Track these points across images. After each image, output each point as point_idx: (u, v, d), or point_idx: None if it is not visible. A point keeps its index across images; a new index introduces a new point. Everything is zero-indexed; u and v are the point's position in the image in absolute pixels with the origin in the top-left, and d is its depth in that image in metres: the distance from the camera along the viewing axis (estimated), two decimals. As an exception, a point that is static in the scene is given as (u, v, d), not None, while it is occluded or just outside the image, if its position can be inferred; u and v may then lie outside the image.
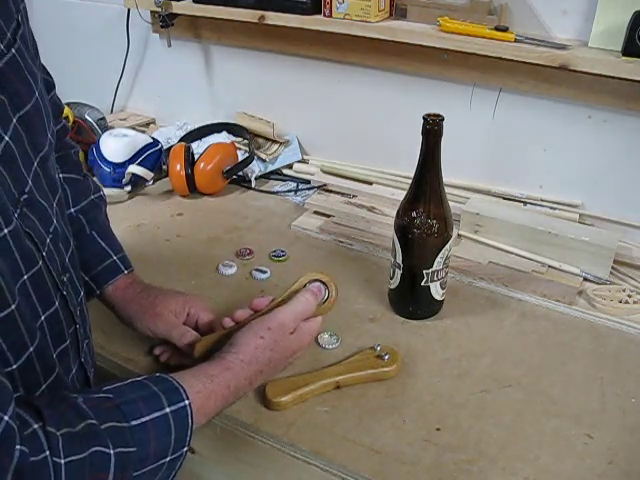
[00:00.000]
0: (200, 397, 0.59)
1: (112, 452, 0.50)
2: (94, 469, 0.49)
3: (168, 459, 0.55)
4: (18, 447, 0.45)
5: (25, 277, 0.53)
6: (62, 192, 0.65)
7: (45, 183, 0.59)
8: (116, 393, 0.54)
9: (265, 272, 0.95)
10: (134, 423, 0.52)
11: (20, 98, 0.55)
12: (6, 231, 0.51)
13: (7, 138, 0.52)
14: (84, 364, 0.65)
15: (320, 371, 0.75)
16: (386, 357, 0.76)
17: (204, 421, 0.60)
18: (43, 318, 0.56)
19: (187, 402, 0.56)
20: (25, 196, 0.55)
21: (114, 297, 0.78)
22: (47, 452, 0.47)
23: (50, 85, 0.77)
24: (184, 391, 0.57)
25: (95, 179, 1.17)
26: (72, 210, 0.78)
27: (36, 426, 0.47)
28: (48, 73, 0.77)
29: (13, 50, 0.54)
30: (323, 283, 0.77)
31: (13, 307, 0.50)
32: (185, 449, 0.56)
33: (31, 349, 0.54)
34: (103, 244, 0.79)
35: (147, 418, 0.53)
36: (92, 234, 0.79)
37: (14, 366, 0.52)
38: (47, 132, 0.60)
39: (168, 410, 0.55)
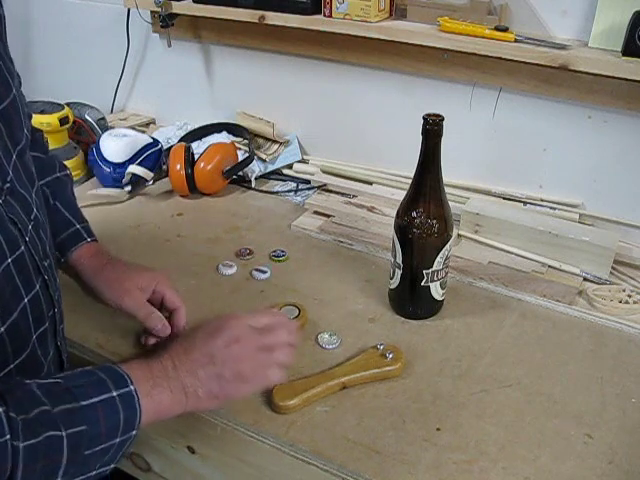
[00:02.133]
0: (146, 387, 0.59)
1: (64, 434, 0.52)
2: (48, 452, 0.51)
3: (118, 440, 0.56)
4: None
5: (9, 260, 0.57)
6: (38, 184, 0.67)
7: (23, 175, 0.62)
8: (66, 379, 0.56)
9: (265, 272, 0.94)
10: (84, 403, 0.54)
11: None
12: None
13: None
14: (59, 347, 0.68)
15: (325, 372, 0.74)
16: (390, 356, 0.76)
17: (153, 414, 0.60)
18: (26, 300, 0.60)
19: (132, 387, 0.58)
20: (7, 184, 0.58)
21: (79, 265, 0.79)
22: (8, 436, 0.49)
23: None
24: (129, 378, 0.58)
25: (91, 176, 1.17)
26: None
27: (0, 410, 0.49)
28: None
29: None
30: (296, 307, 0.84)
31: None
32: (134, 432, 0.57)
33: (2, 329, 0.57)
34: (67, 214, 0.81)
35: (96, 399, 0.55)
36: (55, 204, 0.81)
37: None
38: (23, 128, 0.63)
39: (115, 394, 0.56)
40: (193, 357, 0.63)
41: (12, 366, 0.59)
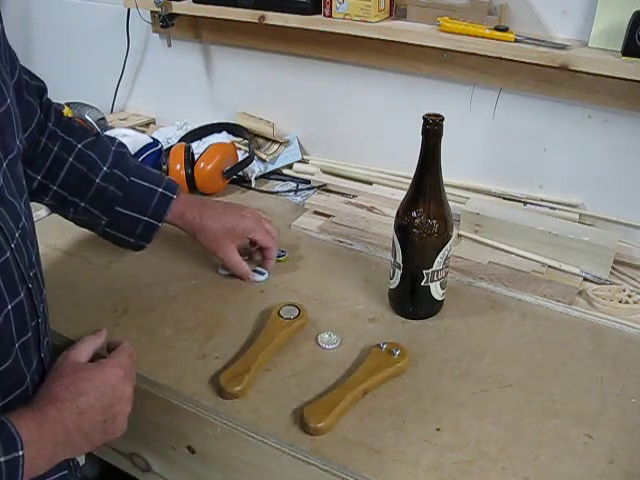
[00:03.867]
0: (34, 445, 0.56)
1: None
2: None
3: None
4: None
5: None
6: (27, 195, 0.68)
7: (13, 184, 0.62)
8: None
9: (263, 274, 0.94)
10: None
11: None
12: None
13: None
14: (43, 360, 0.67)
15: (345, 383, 0.73)
16: (397, 353, 0.76)
17: (31, 473, 0.57)
18: (10, 307, 0.59)
19: (21, 453, 0.54)
20: None
21: (177, 224, 0.91)
22: None
23: (42, 90, 0.84)
24: (20, 441, 0.54)
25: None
26: (105, 169, 0.87)
27: None
28: (39, 79, 0.83)
29: None
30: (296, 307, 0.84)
31: None
32: None
33: None
34: (145, 183, 0.89)
35: None
36: (132, 180, 0.88)
37: None
38: (16, 138, 0.63)
39: (2, 459, 0.53)
40: (88, 419, 0.61)
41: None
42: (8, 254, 0.59)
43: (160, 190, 0.89)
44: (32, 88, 0.81)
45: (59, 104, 0.87)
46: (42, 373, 0.67)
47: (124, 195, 0.87)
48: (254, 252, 0.97)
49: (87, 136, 0.89)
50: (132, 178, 0.88)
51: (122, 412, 0.65)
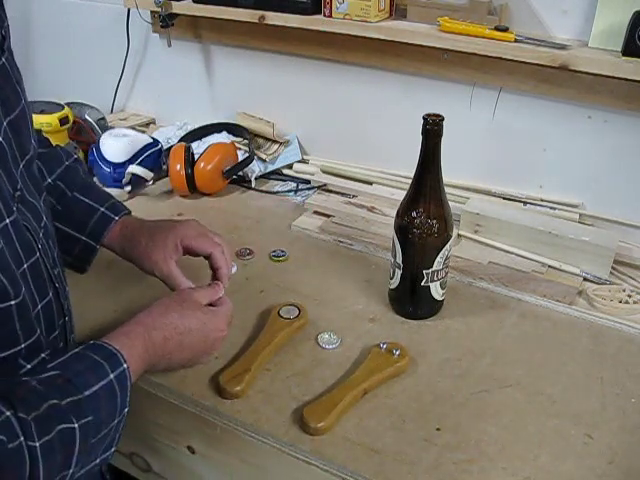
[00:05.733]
0: (133, 356, 0.61)
1: (76, 425, 0.52)
2: (63, 445, 0.51)
3: (115, 422, 0.57)
4: None
5: (25, 266, 0.58)
6: (45, 194, 0.68)
7: (31, 184, 0.63)
8: (63, 368, 0.56)
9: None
10: (87, 393, 0.54)
11: (10, 104, 0.59)
12: (8, 221, 0.55)
13: (0, 139, 0.56)
14: None
15: (345, 383, 0.73)
16: (397, 353, 0.76)
17: (134, 379, 0.62)
18: (40, 307, 0.60)
19: (125, 366, 0.59)
20: (18, 192, 0.59)
21: (113, 246, 0.83)
22: (21, 438, 0.48)
23: None
24: (122, 356, 0.59)
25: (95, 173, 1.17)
26: (49, 180, 0.81)
27: (8, 413, 0.49)
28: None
29: (3, 59, 0.59)
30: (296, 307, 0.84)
31: (20, 299, 0.56)
32: (126, 409, 0.58)
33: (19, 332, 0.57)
34: (87, 200, 0.82)
35: (96, 387, 0.55)
36: (74, 195, 0.82)
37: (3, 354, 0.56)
38: (31, 138, 0.64)
39: (112, 376, 0.57)
40: (166, 321, 0.66)
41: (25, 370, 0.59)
42: (37, 255, 0.60)
43: (102, 209, 0.82)
44: None
45: None
46: None
47: (62, 209, 0.80)
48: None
49: (41, 145, 0.80)
50: (75, 193, 0.82)
51: (217, 333, 0.69)
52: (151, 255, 0.79)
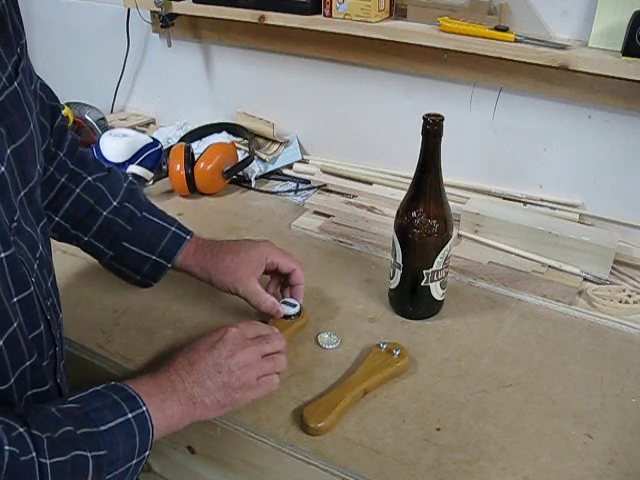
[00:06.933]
0: (156, 403, 0.61)
1: (89, 455, 0.53)
2: (76, 471, 0.52)
3: (134, 462, 0.57)
4: (7, 448, 0.48)
5: (14, 300, 0.56)
6: (46, 220, 0.67)
7: (30, 212, 0.61)
8: (82, 403, 0.57)
9: (294, 305, 0.83)
10: (103, 428, 0.55)
11: (17, 130, 0.57)
12: (3, 255, 0.54)
13: (3, 169, 0.55)
14: (59, 384, 0.66)
15: (345, 383, 0.73)
16: (397, 353, 0.76)
17: (165, 429, 0.62)
18: (30, 338, 0.59)
19: (144, 408, 0.59)
20: (15, 224, 0.57)
21: (188, 265, 0.83)
22: (34, 453, 0.49)
23: (56, 111, 0.79)
24: (140, 398, 0.60)
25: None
26: (115, 203, 0.82)
27: (22, 429, 0.50)
28: (56, 97, 0.80)
29: (15, 83, 0.57)
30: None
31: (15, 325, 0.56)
32: (147, 452, 0.59)
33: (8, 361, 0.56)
34: (157, 220, 0.83)
35: (113, 423, 0.56)
36: (144, 215, 0.83)
37: None
38: (37, 163, 0.62)
39: (130, 416, 0.58)
40: (199, 368, 0.65)
41: (15, 399, 0.59)
42: (32, 289, 0.59)
43: (173, 229, 0.83)
44: (47, 108, 0.75)
45: (73, 134, 0.83)
46: (59, 396, 0.67)
47: (133, 230, 0.82)
48: (282, 288, 0.87)
49: (99, 170, 0.84)
50: (144, 213, 0.83)
51: (238, 379, 0.66)
52: (236, 272, 0.80)
